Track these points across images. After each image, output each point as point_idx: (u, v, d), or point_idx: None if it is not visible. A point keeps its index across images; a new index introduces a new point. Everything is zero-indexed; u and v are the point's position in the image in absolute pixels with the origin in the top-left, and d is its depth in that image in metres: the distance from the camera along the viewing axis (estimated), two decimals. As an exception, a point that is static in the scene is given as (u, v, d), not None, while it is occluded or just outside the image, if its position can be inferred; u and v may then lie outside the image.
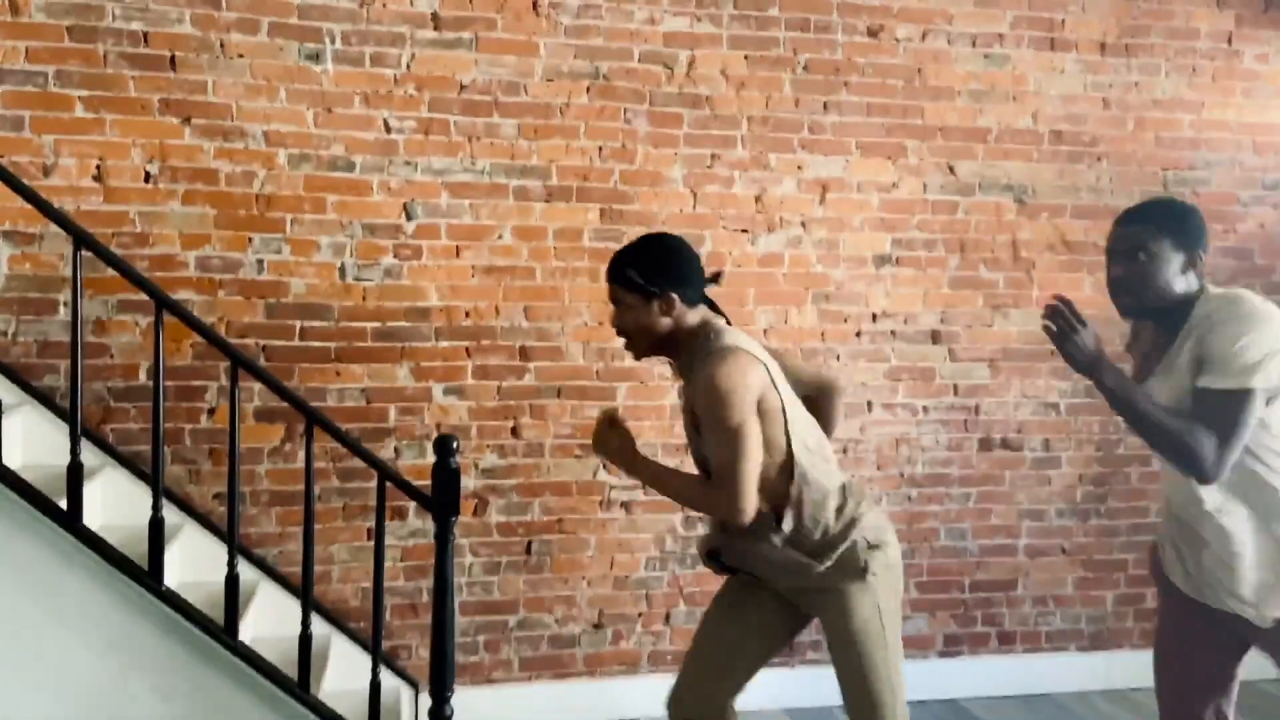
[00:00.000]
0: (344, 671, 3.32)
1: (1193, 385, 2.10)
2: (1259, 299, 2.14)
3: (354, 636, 3.54)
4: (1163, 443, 2.09)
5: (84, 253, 2.76)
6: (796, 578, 2.32)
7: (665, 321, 2.28)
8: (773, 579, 2.38)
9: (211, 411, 3.51)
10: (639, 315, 2.29)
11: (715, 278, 2.37)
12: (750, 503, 2.17)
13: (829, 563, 2.27)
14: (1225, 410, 2.04)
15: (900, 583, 2.37)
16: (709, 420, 2.18)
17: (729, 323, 2.38)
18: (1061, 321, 2.10)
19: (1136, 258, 2.17)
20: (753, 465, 2.17)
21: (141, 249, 3.43)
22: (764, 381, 2.22)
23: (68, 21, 3.36)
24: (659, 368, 3.82)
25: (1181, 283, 2.17)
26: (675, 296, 2.26)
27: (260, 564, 3.49)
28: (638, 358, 2.41)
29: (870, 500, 2.40)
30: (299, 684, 2.87)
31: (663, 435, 3.83)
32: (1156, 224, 2.17)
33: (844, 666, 2.32)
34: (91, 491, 2.96)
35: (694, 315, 2.31)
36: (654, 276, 2.25)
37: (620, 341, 2.41)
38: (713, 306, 2.38)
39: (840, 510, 2.31)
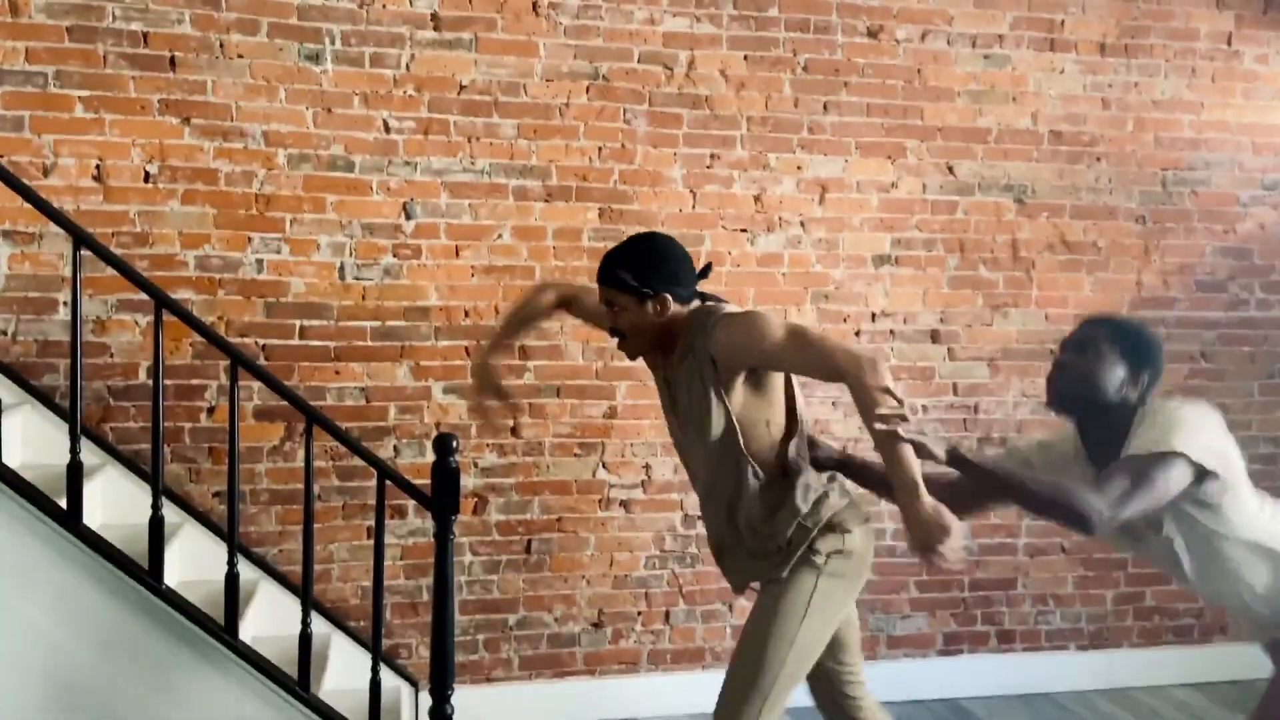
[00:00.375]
0: (344, 671, 3.32)
1: None
2: (1202, 403, 2.22)
3: (354, 636, 3.54)
4: (1046, 505, 2.10)
5: (84, 252, 2.76)
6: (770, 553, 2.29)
7: (658, 321, 2.28)
8: (745, 565, 2.36)
9: (211, 411, 3.52)
10: (632, 316, 2.29)
11: (705, 272, 2.37)
12: (856, 349, 2.14)
13: (809, 527, 2.26)
14: (1139, 467, 2.04)
15: (859, 572, 2.32)
16: (765, 349, 2.14)
17: None
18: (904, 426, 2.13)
19: (1085, 351, 2.22)
20: (828, 337, 2.16)
21: (141, 249, 3.43)
22: None
23: (68, 22, 3.36)
24: (658, 367, 3.82)
25: (1117, 393, 2.20)
26: (668, 296, 2.26)
27: (260, 563, 3.50)
28: (633, 358, 2.41)
29: (838, 481, 2.39)
30: (299, 683, 2.87)
31: (662, 435, 3.83)
32: (1113, 333, 2.23)
33: (746, 631, 2.29)
34: (91, 491, 2.96)
35: (687, 310, 2.31)
36: (646, 277, 2.24)
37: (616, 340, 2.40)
38: (705, 298, 2.37)
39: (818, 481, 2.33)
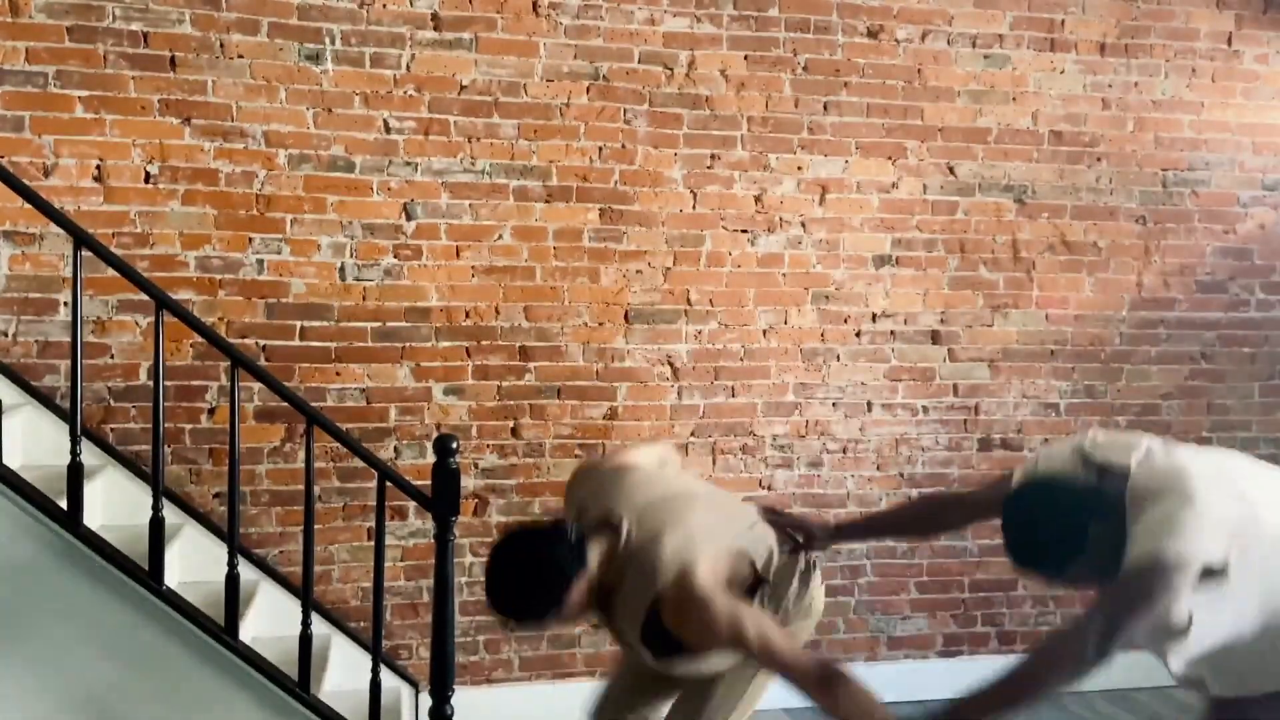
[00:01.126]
0: (344, 671, 3.32)
1: None
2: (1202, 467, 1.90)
3: (354, 636, 3.54)
4: (1038, 683, 1.83)
5: (84, 253, 2.76)
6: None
7: (584, 590, 2.07)
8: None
9: (211, 411, 3.51)
10: (564, 614, 2.08)
11: (560, 530, 2.11)
12: (800, 652, 2.05)
13: None
14: (1122, 587, 1.79)
15: None
16: (709, 639, 2.04)
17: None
18: None
19: (1076, 582, 1.99)
20: (774, 632, 2.04)
21: (141, 249, 3.43)
22: (721, 562, 2.15)
23: (68, 22, 3.36)
24: (659, 368, 3.82)
25: (1107, 530, 1.86)
26: (570, 588, 2.03)
27: (260, 564, 3.50)
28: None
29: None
30: (299, 684, 2.87)
31: (662, 435, 3.83)
32: (1038, 564, 1.93)
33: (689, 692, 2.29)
34: (92, 491, 2.96)
35: (593, 555, 2.09)
36: (542, 605, 2.04)
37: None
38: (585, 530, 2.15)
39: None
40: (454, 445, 2.80)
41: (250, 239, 3.51)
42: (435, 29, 3.61)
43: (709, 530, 2.16)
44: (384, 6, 3.56)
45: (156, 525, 2.76)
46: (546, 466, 3.77)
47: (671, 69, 3.79)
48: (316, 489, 3.42)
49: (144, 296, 2.91)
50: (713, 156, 3.84)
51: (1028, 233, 4.10)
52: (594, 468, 2.47)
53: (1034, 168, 4.09)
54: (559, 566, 2.03)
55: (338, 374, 3.60)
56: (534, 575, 2.03)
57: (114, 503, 3.27)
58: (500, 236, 3.69)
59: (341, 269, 3.59)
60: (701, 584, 2.03)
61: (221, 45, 3.47)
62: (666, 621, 2.05)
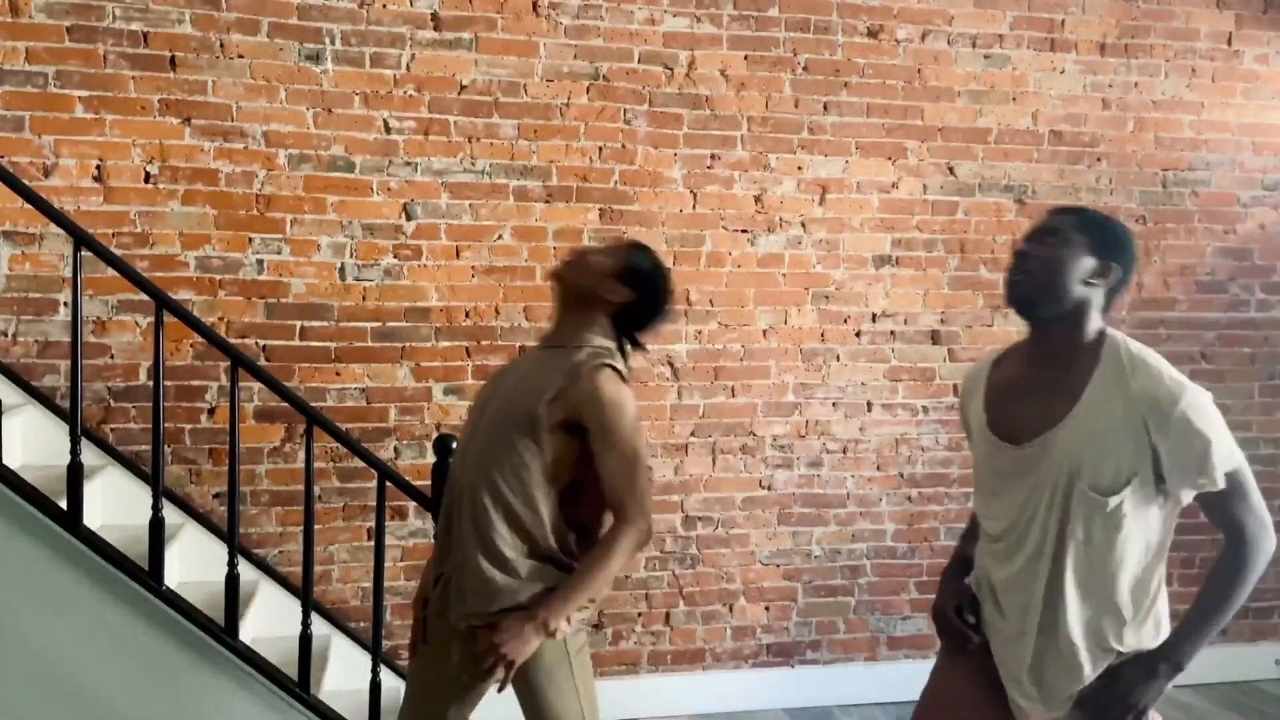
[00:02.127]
0: (344, 671, 3.32)
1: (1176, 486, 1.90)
2: (1166, 366, 1.94)
3: (354, 636, 3.54)
4: (1245, 587, 1.94)
5: (84, 253, 2.76)
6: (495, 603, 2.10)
7: (622, 290, 2.20)
8: (469, 605, 2.13)
9: (211, 411, 3.52)
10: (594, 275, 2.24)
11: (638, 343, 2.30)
12: (646, 524, 2.11)
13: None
14: (1237, 491, 1.91)
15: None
16: (607, 434, 2.07)
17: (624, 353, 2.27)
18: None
19: (1046, 239, 1.97)
20: (646, 483, 2.13)
21: (141, 249, 3.43)
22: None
23: (68, 22, 3.36)
24: (659, 368, 3.82)
25: (1080, 291, 1.94)
26: (621, 289, 2.20)
27: (260, 564, 3.50)
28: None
29: None
30: (299, 684, 2.87)
31: (662, 435, 3.84)
32: (1081, 222, 1.98)
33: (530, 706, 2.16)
34: (92, 491, 2.96)
35: (606, 313, 2.24)
36: (632, 280, 2.22)
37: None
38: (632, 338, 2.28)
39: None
40: (454, 445, 2.79)
41: (250, 239, 3.52)
42: (435, 29, 3.61)
43: None
44: (384, 6, 3.56)
45: (156, 525, 2.77)
46: (546, 466, 3.76)
47: (671, 69, 3.79)
48: (316, 489, 3.42)
49: (144, 296, 2.92)
50: (713, 156, 3.85)
51: (1028, 233, 4.10)
52: None
53: (1034, 168, 4.09)
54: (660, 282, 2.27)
55: (338, 374, 3.60)
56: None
57: (114, 503, 3.27)
58: (500, 236, 3.70)
59: (341, 269, 3.59)
60: (621, 384, 2.13)
61: (221, 45, 3.47)
62: (572, 394, 2.08)
